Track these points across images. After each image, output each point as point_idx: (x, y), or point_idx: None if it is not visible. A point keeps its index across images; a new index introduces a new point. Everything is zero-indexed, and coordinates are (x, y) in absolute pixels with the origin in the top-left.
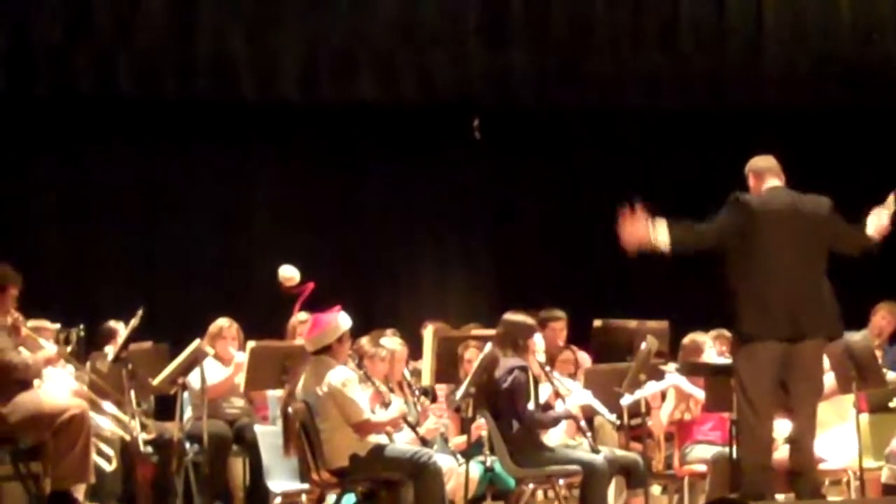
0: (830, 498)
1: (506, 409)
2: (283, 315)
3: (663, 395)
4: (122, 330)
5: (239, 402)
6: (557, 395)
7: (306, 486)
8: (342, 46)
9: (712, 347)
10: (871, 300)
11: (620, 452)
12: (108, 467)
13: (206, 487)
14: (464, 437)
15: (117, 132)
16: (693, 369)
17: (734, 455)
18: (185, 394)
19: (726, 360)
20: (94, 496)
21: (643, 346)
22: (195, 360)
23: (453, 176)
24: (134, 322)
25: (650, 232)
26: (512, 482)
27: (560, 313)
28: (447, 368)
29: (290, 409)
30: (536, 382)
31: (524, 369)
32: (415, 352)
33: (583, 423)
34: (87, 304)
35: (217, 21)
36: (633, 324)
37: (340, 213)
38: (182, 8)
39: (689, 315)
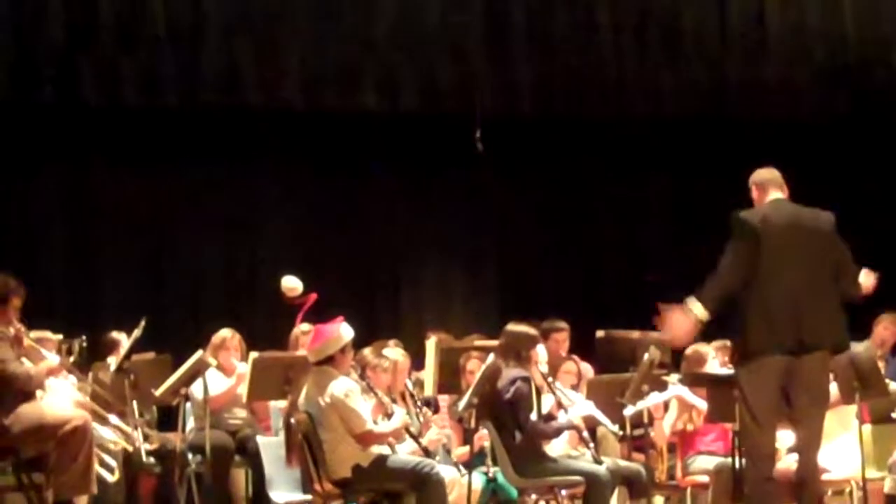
0: None
1: (508, 419)
2: (285, 326)
3: (666, 406)
4: (124, 340)
5: (241, 413)
6: (560, 405)
7: (309, 496)
8: (346, 56)
9: (715, 358)
10: (873, 311)
11: (623, 463)
12: (111, 478)
13: (209, 498)
14: (466, 448)
15: (121, 141)
16: (696, 380)
17: (737, 465)
18: (188, 404)
19: (729, 370)
20: None
21: (646, 356)
22: (198, 371)
23: (456, 186)
24: (136, 332)
25: (689, 318)
26: (514, 493)
27: (562, 324)
28: (450, 379)
29: (292, 420)
30: (539, 393)
31: (527, 380)
32: (417, 363)
33: (585, 434)
34: (90, 314)
35: (222, 30)
36: (635, 334)
37: (343, 224)
38: (187, 17)
39: None
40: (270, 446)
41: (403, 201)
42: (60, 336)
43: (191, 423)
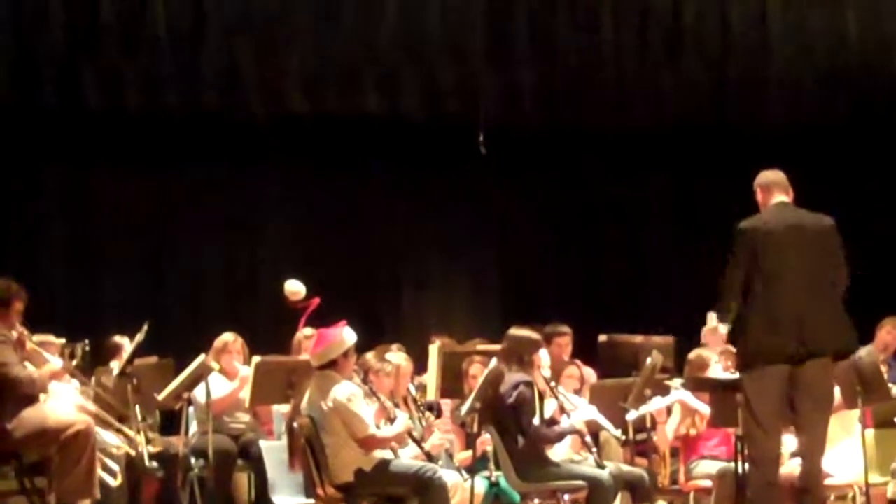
0: None
1: (511, 424)
2: (288, 330)
3: (669, 411)
4: (127, 345)
5: (244, 417)
6: (562, 410)
7: (311, 501)
8: (349, 62)
9: (718, 363)
10: (876, 316)
11: (626, 468)
12: (114, 482)
13: (212, 503)
14: (469, 453)
15: (124, 145)
16: (699, 384)
17: (740, 470)
18: (191, 409)
19: (732, 375)
20: None
21: (648, 361)
22: (200, 375)
23: (459, 191)
24: (139, 337)
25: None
26: (517, 497)
27: (565, 328)
28: (452, 384)
29: (295, 424)
30: (541, 398)
31: (529, 384)
32: (420, 367)
33: (588, 439)
34: (91, 317)
35: (224, 35)
36: (638, 339)
37: (345, 227)
38: (189, 22)
39: (694, 331)
40: (273, 450)
41: (405, 204)
42: (63, 340)
43: (193, 428)
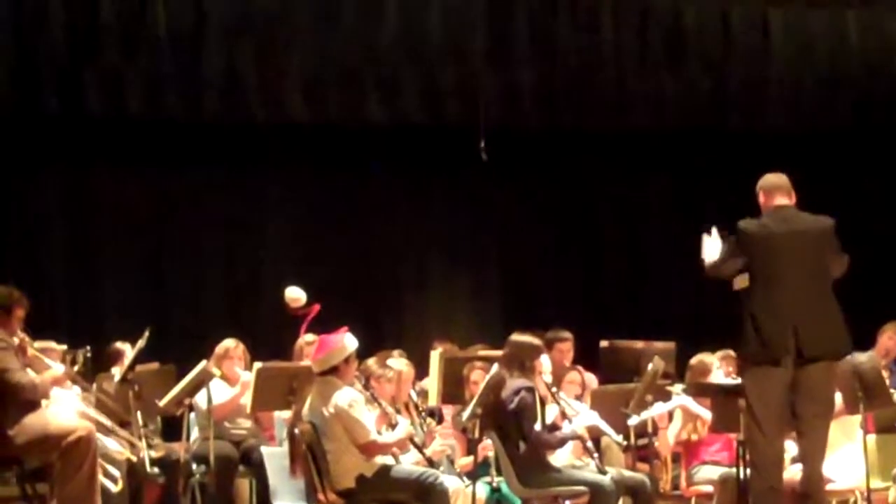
0: None
1: (512, 430)
2: (290, 336)
3: (670, 416)
4: (128, 351)
5: (245, 423)
6: (564, 415)
7: None
8: (349, 67)
9: (720, 368)
10: (877, 321)
11: (627, 473)
12: (115, 488)
13: None
14: (470, 458)
15: (125, 152)
16: (700, 390)
17: (741, 476)
18: (192, 415)
19: (733, 380)
20: None
21: (650, 366)
22: (202, 381)
23: (460, 196)
24: (140, 343)
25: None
26: (518, 503)
27: (566, 334)
28: (453, 389)
29: (296, 430)
30: (543, 403)
31: (531, 390)
32: (421, 373)
33: (589, 444)
34: (94, 325)
35: (225, 41)
36: (639, 345)
37: (346, 232)
38: (190, 28)
39: (695, 336)
40: (274, 456)
41: (406, 207)
42: (64, 347)
43: (195, 434)
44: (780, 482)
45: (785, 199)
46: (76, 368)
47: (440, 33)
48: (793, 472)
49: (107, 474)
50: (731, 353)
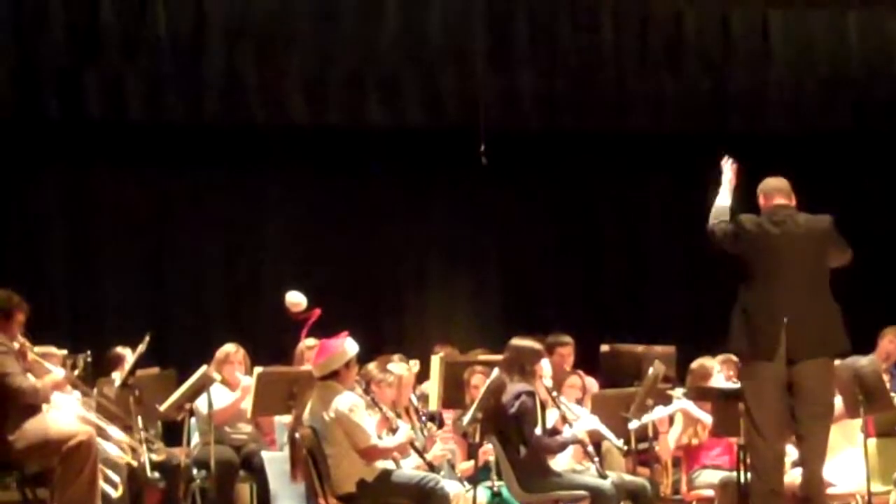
0: None
1: (513, 434)
2: (290, 341)
3: (671, 420)
4: (129, 356)
5: (246, 428)
6: (564, 420)
7: None
8: (349, 69)
9: (720, 372)
10: (878, 324)
11: (628, 477)
12: (114, 493)
13: None
14: (471, 463)
15: (126, 155)
16: (701, 394)
17: (742, 480)
18: (193, 419)
19: (734, 384)
20: None
21: (650, 370)
22: (202, 386)
23: (460, 198)
24: (141, 348)
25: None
26: None
27: (567, 338)
28: (454, 394)
29: (297, 435)
30: (543, 407)
31: (531, 394)
32: (422, 376)
33: (590, 448)
34: (94, 330)
35: (225, 44)
36: (640, 349)
37: (346, 236)
38: (190, 31)
39: (696, 340)
40: (275, 461)
41: (406, 211)
42: (65, 351)
43: (195, 438)
44: (781, 486)
45: (784, 200)
46: (76, 373)
47: (440, 35)
48: (794, 476)
49: (107, 479)
50: (732, 357)
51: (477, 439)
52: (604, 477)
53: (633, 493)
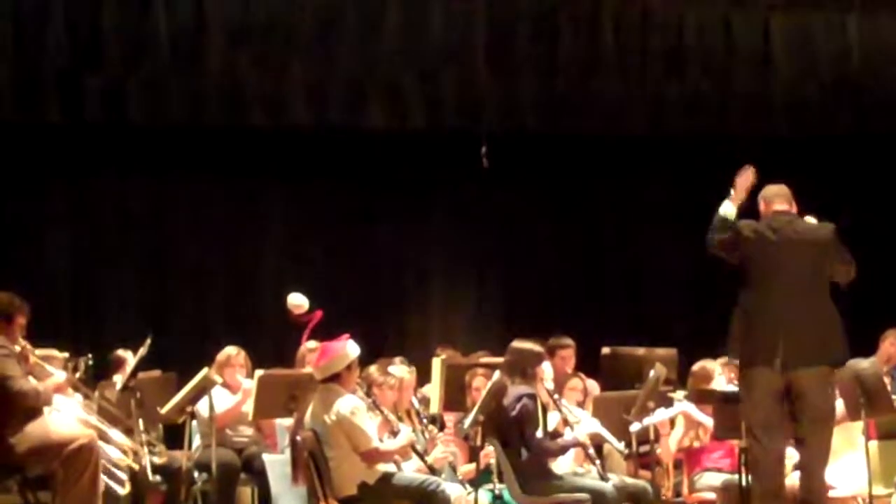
0: None
1: (514, 437)
2: (292, 343)
3: (672, 422)
4: (130, 358)
5: (247, 431)
6: (566, 422)
7: None
8: (351, 73)
9: (721, 375)
10: (879, 327)
11: (629, 480)
12: (122, 491)
13: None
14: (472, 465)
15: (127, 160)
16: (702, 397)
17: (743, 482)
18: (194, 422)
19: (735, 387)
20: None
21: (652, 373)
22: (203, 389)
23: (461, 202)
24: (142, 351)
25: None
26: None
27: (568, 341)
28: (455, 396)
29: (298, 438)
30: (545, 410)
31: (532, 397)
32: (423, 379)
33: (591, 451)
34: (96, 332)
35: (226, 49)
36: (641, 351)
37: (348, 240)
38: (191, 36)
39: (697, 342)
40: (276, 464)
41: (408, 216)
42: (66, 354)
43: (197, 441)
44: (781, 488)
45: (784, 206)
46: (78, 376)
47: (441, 38)
48: (795, 479)
49: (113, 477)
50: (734, 361)
51: (478, 442)
52: (605, 480)
53: (634, 495)
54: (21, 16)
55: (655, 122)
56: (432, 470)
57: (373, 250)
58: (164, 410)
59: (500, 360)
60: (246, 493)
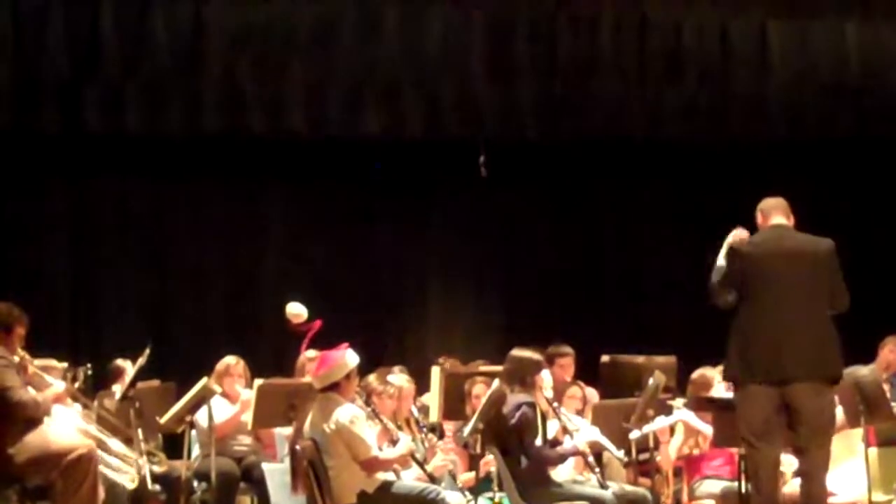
0: None
1: (514, 445)
2: (291, 352)
3: (672, 430)
4: (129, 368)
5: (246, 440)
6: (565, 430)
7: None
8: (349, 80)
9: (721, 383)
10: (878, 334)
11: (629, 487)
12: (130, 485)
13: None
14: (472, 474)
15: (125, 168)
16: (701, 404)
17: (743, 490)
18: (193, 432)
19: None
20: None
21: (651, 381)
22: (203, 399)
23: (460, 210)
24: (141, 360)
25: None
26: None
27: (567, 349)
28: (455, 405)
29: (297, 447)
30: (544, 418)
31: (532, 406)
32: (422, 387)
33: (591, 459)
34: (95, 342)
35: (224, 56)
36: (640, 359)
37: (346, 248)
38: (189, 43)
39: (697, 350)
40: (276, 473)
41: (407, 223)
42: (65, 364)
43: (196, 451)
44: (777, 495)
45: (782, 219)
46: (77, 386)
47: (439, 45)
48: (795, 486)
49: (119, 470)
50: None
51: (478, 450)
52: (605, 487)
53: (634, 503)
54: (20, 25)
55: (654, 126)
56: (432, 478)
57: (372, 259)
58: (163, 420)
59: (499, 368)
60: (245, 502)
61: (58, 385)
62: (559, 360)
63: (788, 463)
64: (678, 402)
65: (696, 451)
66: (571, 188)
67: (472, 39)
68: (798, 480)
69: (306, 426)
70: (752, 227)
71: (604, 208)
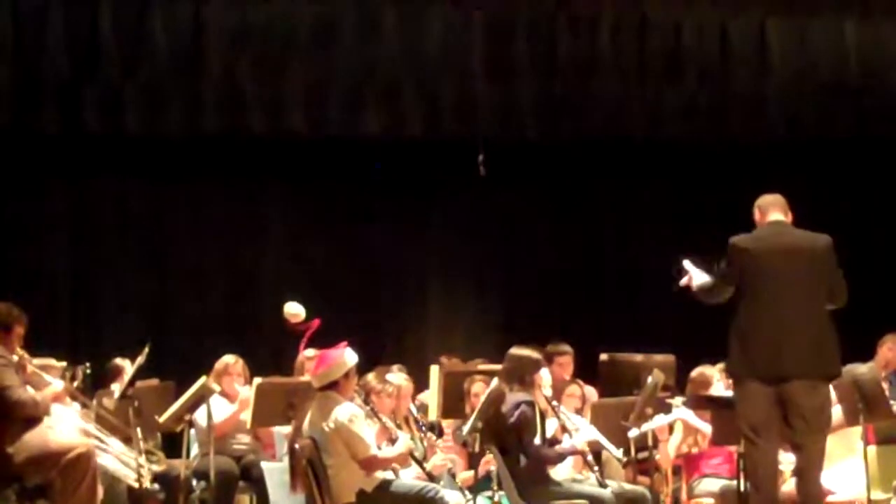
0: None
1: (512, 444)
2: (290, 351)
3: (671, 429)
4: (128, 367)
5: (245, 439)
6: (564, 429)
7: None
8: (349, 80)
9: (720, 381)
10: (877, 332)
11: (628, 486)
12: (135, 484)
13: None
14: (471, 473)
15: (125, 168)
16: (700, 403)
17: (742, 488)
18: (192, 431)
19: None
20: None
21: (650, 379)
22: (202, 397)
23: (459, 209)
24: (140, 359)
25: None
26: None
27: (566, 347)
28: (454, 403)
29: (296, 446)
30: (543, 417)
31: (531, 404)
32: (421, 386)
33: (590, 458)
34: (93, 341)
35: (224, 56)
36: (639, 358)
37: (346, 248)
38: (189, 43)
39: (695, 348)
40: (275, 472)
41: (406, 223)
42: (64, 363)
43: (195, 450)
44: (775, 492)
45: (780, 216)
46: (76, 385)
47: (439, 45)
48: (793, 485)
49: (125, 464)
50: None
51: (477, 449)
52: (604, 486)
53: (633, 501)
54: (20, 26)
55: (654, 126)
56: (431, 477)
57: (371, 258)
58: (162, 419)
59: (498, 366)
60: (244, 500)
61: (56, 384)
62: (558, 359)
63: (787, 462)
64: (677, 401)
65: (694, 450)
66: (571, 188)
67: (471, 39)
68: (795, 479)
69: (305, 425)
70: (750, 225)
71: (603, 208)
